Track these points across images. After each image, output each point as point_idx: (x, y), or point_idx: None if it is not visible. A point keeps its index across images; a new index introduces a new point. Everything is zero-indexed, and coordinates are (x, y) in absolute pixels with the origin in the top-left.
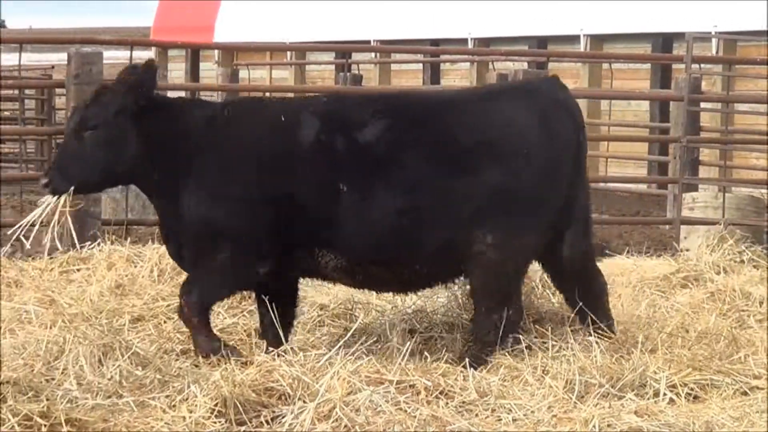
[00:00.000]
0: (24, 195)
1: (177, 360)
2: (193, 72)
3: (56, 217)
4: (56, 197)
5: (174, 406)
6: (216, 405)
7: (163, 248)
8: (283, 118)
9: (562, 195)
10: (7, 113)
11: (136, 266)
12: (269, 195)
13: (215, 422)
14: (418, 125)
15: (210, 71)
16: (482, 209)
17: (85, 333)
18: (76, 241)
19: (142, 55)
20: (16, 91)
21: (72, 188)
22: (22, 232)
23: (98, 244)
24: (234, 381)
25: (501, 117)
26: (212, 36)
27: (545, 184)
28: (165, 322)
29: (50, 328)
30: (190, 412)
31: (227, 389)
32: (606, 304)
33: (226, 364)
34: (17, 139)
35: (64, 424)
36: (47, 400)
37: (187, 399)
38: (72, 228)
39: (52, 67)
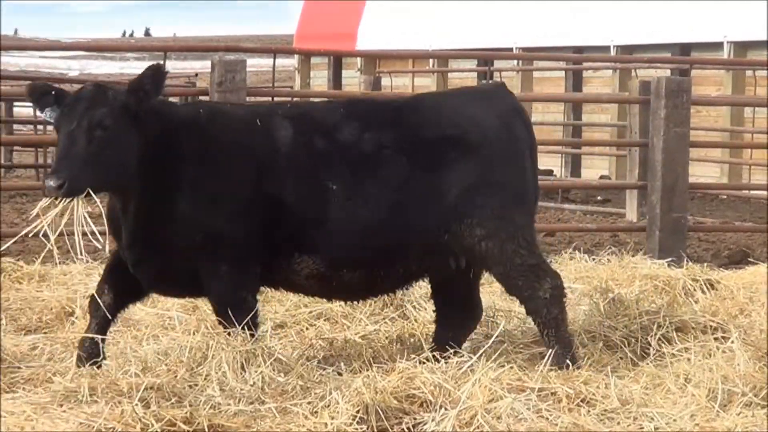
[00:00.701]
0: None
1: (319, 366)
2: (336, 79)
3: (76, 220)
4: (67, 200)
5: (316, 412)
6: (358, 412)
7: None
8: (259, 122)
9: (529, 184)
10: None
11: None
12: (260, 199)
13: (357, 429)
14: (392, 126)
15: (352, 78)
16: (456, 203)
17: (228, 339)
18: (106, 244)
19: (285, 63)
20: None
21: (88, 190)
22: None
23: None
24: (376, 388)
25: (468, 114)
26: (355, 43)
27: (513, 173)
28: (307, 328)
29: (193, 334)
30: (332, 418)
31: (369, 396)
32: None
33: (368, 371)
34: None
35: (207, 430)
36: (190, 405)
37: (329, 405)
38: (96, 231)
39: (196, 74)
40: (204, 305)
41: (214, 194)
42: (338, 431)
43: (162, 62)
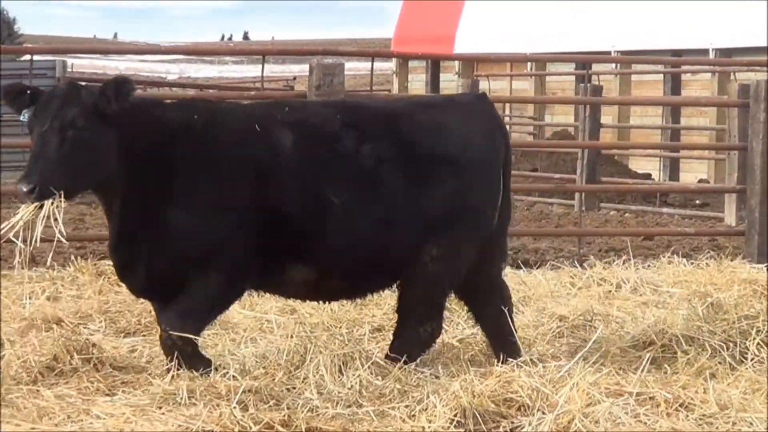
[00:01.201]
0: None
1: (417, 370)
2: (434, 82)
3: (40, 224)
4: (38, 204)
5: (413, 415)
6: (455, 415)
7: None
8: (258, 127)
9: (497, 209)
10: None
11: None
12: (257, 206)
13: (454, 431)
14: (387, 138)
15: (450, 82)
16: (435, 221)
17: (326, 343)
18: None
19: (382, 66)
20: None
21: (60, 193)
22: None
23: None
24: (473, 391)
25: (457, 133)
26: (453, 47)
27: (486, 197)
28: None
29: (291, 337)
30: (430, 422)
31: (466, 400)
32: (511, 319)
33: (466, 374)
34: None
35: None
36: (288, 408)
37: (426, 409)
38: (63, 233)
39: (294, 78)
40: (301, 308)
41: (207, 200)
42: None
43: (127, 77)
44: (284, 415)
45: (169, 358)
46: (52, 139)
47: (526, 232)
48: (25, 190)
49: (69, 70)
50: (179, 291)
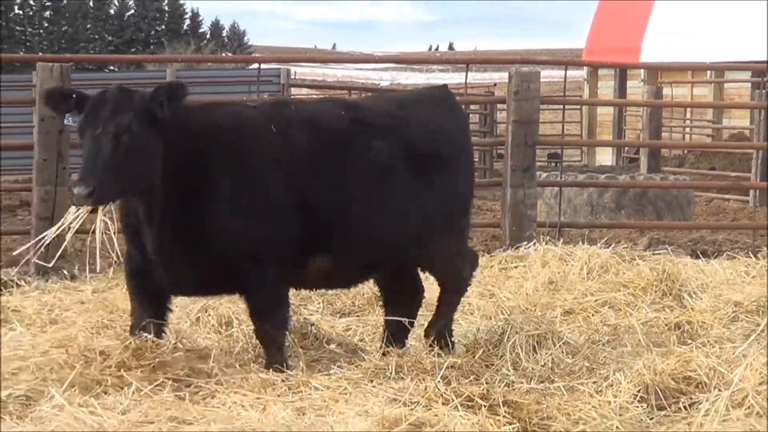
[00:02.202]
0: None
1: (603, 349)
2: (621, 89)
3: (99, 229)
4: (88, 207)
5: (600, 391)
6: (638, 391)
7: (593, 248)
8: (274, 127)
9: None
10: None
11: (567, 264)
12: (294, 202)
13: (637, 407)
14: (394, 134)
15: (636, 88)
16: (437, 207)
17: (521, 324)
18: (117, 253)
19: (574, 74)
20: (462, 107)
21: (116, 198)
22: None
23: (534, 244)
24: (655, 370)
25: (445, 128)
26: (638, 57)
27: (473, 182)
28: (593, 315)
29: (490, 319)
30: (615, 396)
31: (649, 377)
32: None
33: (648, 354)
34: None
35: (501, 405)
36: (486, 383)
37: (612, 385)
38: (115, 240)
39: (494, 84)
40: (500, 293)
41: (251, 201)
42: (620, 408)
43: (182, 82)
44: (483, 389)
45: (266, 349)
46: (108, 144)
47: (704, 225)
48: (83, 193)
49: (292, 77)
50: (222, 291)
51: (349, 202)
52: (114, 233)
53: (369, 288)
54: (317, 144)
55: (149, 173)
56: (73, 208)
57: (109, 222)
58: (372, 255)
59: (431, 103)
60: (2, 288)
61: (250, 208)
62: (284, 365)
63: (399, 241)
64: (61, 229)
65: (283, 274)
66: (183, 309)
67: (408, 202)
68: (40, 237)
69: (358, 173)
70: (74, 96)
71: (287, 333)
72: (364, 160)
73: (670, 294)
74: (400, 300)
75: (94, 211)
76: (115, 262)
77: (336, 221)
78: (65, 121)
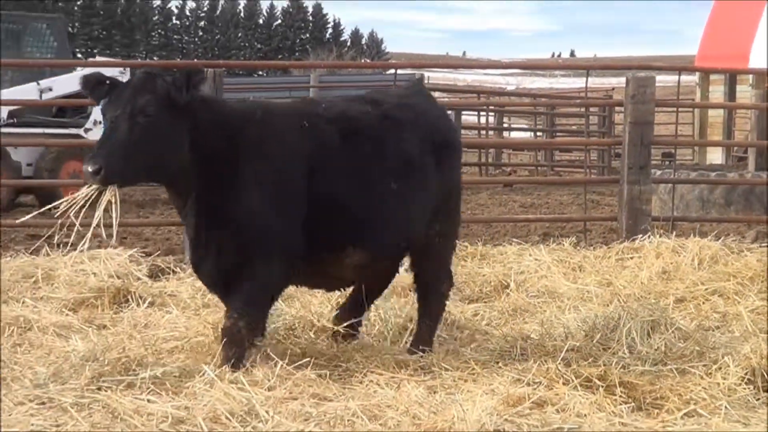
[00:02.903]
0: (588, 195)
1: (713, 335)
2: (731, 93)
3: (101, 208)
4: (99, 186)
5: (710, 373)
6: (746, 374)
7: (703, 241)
8: (306, 123)
9: None
10: (574, 127)
11: (679, 255)
12: (310, 196)
13: (745, 388)
14: (412, 127)
15: (745, 92)
16: (439, 200)
17: (636, 311)
18: (114, 233)
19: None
20: (582, 109)
21: (128, 179)
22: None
23: (648, 237)
24: (762, 354)
25: (445, 120)
26: (747, 63)
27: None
28: (703, 303)
29: (608, 306)
30: (724, 379)
31: (756, 361)
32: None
33: (755, 339)
34: (582, 148)
35: (617, 386)
36: (604, 365)
37: (720, 368)
38: (116, 221)
39: (613, 89)
40: (616, 281)
41: (273, 192)
42: (729, 390)
43: (200, 68)
44: (601, 371)
45: (228, 345)
46: (122, 125)
47: None
48: (90, 170)
49: (426, 82)
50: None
51: (380, 195)
52: (116, 213)
53: (495, 276)
54: (347, 139)
55: (169, 159)
56: (84, 187)
57: (113, 201)
58: (399, 247)
59: (422, 96)
60: (160, 274)
61: (269, 202)
62: (236, 364)
63: (420, 232)
64: (70, 205)
65: (287, 272)
66: (325, 294)
67: (430, 192)
68: (47, 207)
69: (388, 166)
70: (108, 82)
71: (256, 340)
72: (393, 153)
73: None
74: (376, 292)
75: (102, 191)
76: (111, 239)
77: (368, 215)
78: (100, 106)
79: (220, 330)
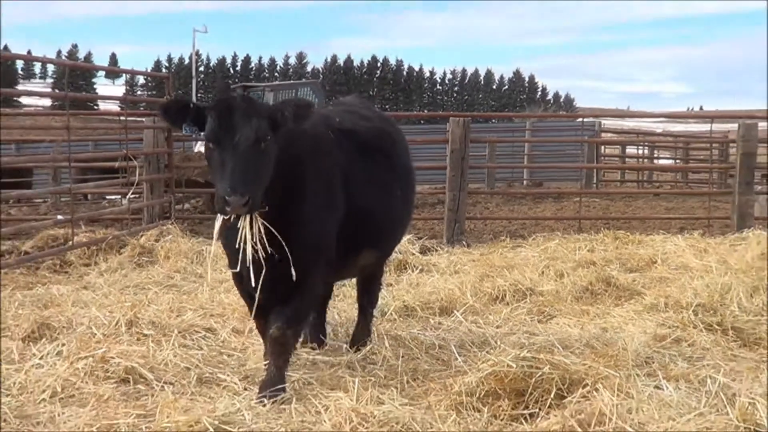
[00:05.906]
0: (711, 202)
1: None
2: None
3: (252, 235)
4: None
5: None
6: None
7: None
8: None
9: None
10: (702, 157)
11: None
12: (349, 202)
13: None
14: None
15: None
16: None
17: (743, 279)
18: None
19: None
20: (708, 145)
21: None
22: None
23: (751, 230)
24: None
25: (397, 130)
26: None
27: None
28: None
29: (723, 276)
30: None
31: None
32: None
33: None
34: (708, 171)
35: (730, 329)
36: (720, 315)
37: None
38: (266, 245)
39: (729, 131)
40: (730, 259)
41: (325, 203)
42: None
43: (309, 102)
44: (719, 319)
45: (278, 354)
46: (250, 152)
47: None
48: (241, 203)
49: (602, 126)
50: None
51: (387, 198)
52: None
53: (648, 255)
54: (359, 149)
55: (269, 179)
56: (219, 216)
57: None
58: (396, 246)
59: (370, 106)
60: (426, 251)
61: (322, 213)
62: (282, 376)
63: (401, 234)
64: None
65: (326, 280)
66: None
67: (407, 196)
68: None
69: (389, 173)
70: (191, 106)
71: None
72: (393, 161)
73: None
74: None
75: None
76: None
77: (383, 219)
78: (183, 131)
79: (269, 340)
